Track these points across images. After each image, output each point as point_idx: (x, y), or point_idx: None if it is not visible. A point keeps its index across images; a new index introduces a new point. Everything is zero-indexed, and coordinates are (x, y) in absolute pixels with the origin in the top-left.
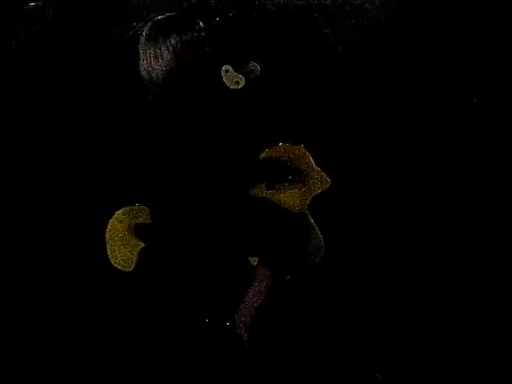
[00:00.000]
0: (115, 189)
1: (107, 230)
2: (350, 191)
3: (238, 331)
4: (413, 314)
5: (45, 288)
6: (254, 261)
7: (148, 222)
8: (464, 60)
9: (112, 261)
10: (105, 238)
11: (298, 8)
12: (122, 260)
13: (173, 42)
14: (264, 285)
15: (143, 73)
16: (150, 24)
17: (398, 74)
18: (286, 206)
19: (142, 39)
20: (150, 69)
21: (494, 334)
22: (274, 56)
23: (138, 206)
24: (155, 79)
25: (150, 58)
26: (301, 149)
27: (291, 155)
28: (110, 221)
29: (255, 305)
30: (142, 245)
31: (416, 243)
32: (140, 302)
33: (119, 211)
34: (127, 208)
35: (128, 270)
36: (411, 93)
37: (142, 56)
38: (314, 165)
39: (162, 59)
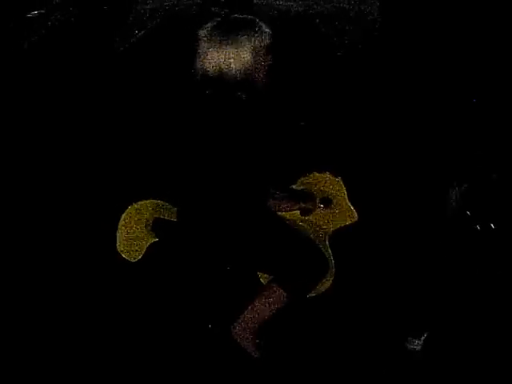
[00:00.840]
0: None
1: (122, 216)
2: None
3: (237, 340)
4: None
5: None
6: (264, 278)
7: (168, 218)
8: (464, 60)
9: (118, 247)
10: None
11: (300, 13)
12: (129, 249)
13: (255, 42)
14: (275, 300)
15: (211, 71)
16: (212, 25)
17: (399, 75)
18: (309, 229)
19: (207, 37)
20: (223, 68)
21: (494, 342)
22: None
23: (162, 201)
24: (229, 78)
25: (226, 56)
26: (338, 181)
27: (328, 185)
28: (128, 209)
29: (261, 317)
30: (154, 240)
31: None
32: (140, 294)
33: (141, 202)
34: (149, 201)
35: (132, 260)
36: (412, 94)
37: (212, 54)
38: (347, 199)
39: (241, 58)
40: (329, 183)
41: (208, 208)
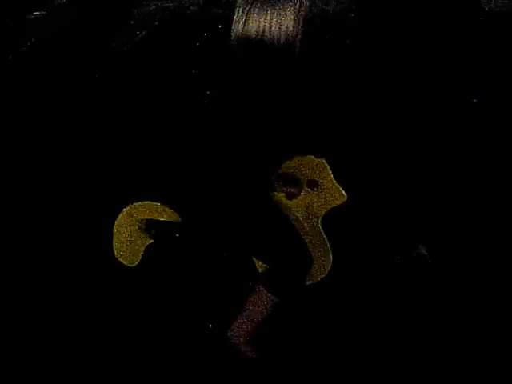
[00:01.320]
0: (131, 184)
1: (116, 222)
2: (362, 205)
3: (235, 342)
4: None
5: (45, 274)
6: (260, 266)
7: (160, 218)
8: (464, 59)
9: (116, 254)
10: (111, 230)
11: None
12: (127, 254)
13: (296, 10)
14: (264, 302)
15: (252, 35)
16: None
17: (399, 76)
18: (300, 216)
19: (248, 0)
20: (265, 32)
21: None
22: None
23: (153, 202)
24: (270, 43)
25: (269, 20)
26: (322, 162)
27: (312, 167)
28: (120, 214)
29: (254, 320)
30: (149, 241)
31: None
32: (140, 299)
33: (130, 206)
34: (138, 203)
35: (131, 265)
36: (412, 94)
37: (254, 18)
38: (333, 179)
39: (283, 24)
40: (313, 165)
41: (212, 197)
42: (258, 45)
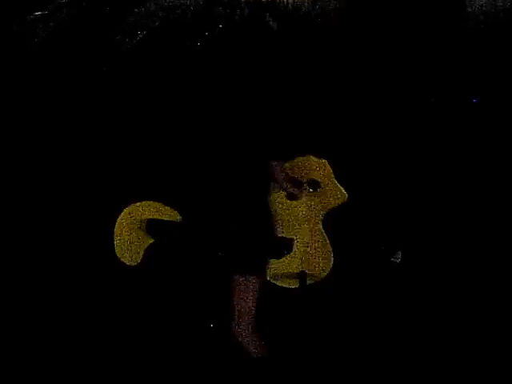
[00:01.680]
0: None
1: (117, 222)
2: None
3: (236, 340)
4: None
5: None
6: None
7: (161, 218)
8: (464, 59)
9: (117, 253)
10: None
11: (303, 14)
12: (128, 254)
13: None
14: (249, 289)
15: None
16: None
17: (399, 75)
18: (301, 216)
19: None
20: None
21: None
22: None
23: (153, 201)
24: (277, 6)
25: None
26: (323, 162)
27: (313, 168)
28: (121, 214)
29: (249, 309)
30: (151, 241)
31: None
32: (141, 298)
33: (132, 205)
34: (140, 203)
35: (132, 264)
36: (411, 93)
37: None
38: (334, 179)
39: None
40: (314, 165)
41: (203, 201)
42: (267, 8)
